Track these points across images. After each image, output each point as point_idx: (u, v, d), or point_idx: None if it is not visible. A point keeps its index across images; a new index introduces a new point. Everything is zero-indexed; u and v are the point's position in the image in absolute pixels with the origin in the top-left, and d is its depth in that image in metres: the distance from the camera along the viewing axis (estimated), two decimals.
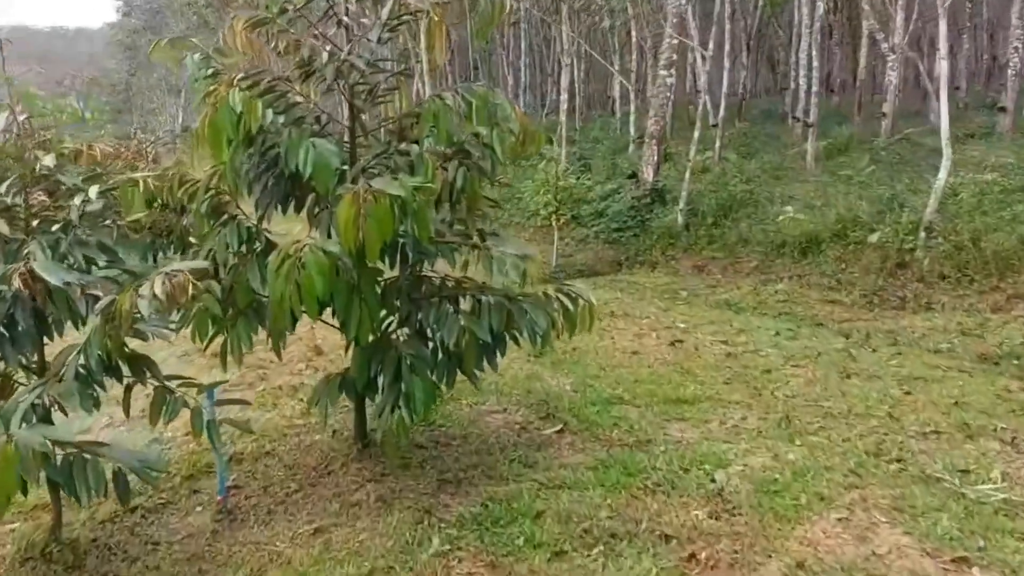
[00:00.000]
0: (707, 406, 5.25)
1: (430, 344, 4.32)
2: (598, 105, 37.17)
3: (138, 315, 3.08)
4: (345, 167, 4.29)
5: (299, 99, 4.32)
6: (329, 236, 3.92)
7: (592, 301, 4.43)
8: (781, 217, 10.79)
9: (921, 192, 10.34)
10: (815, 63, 19.91)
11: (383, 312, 4.08)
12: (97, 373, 3.27)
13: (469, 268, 4.26)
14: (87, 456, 3.18)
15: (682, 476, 4.14)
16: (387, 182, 3.45)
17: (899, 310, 8.75)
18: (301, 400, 5.86)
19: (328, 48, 4.21)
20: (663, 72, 13.96)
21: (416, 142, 4.29)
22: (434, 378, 4.12)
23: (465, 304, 4.23)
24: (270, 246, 4.23)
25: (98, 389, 3.38)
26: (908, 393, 5.52)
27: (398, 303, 4.26)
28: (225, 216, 4.19)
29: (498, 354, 4.24)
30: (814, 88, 19.09)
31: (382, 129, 4.87)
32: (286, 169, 3.80)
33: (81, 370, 3.29)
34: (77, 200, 3.41)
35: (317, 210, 4.36)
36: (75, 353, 3.30)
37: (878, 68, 30.00)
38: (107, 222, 3.71)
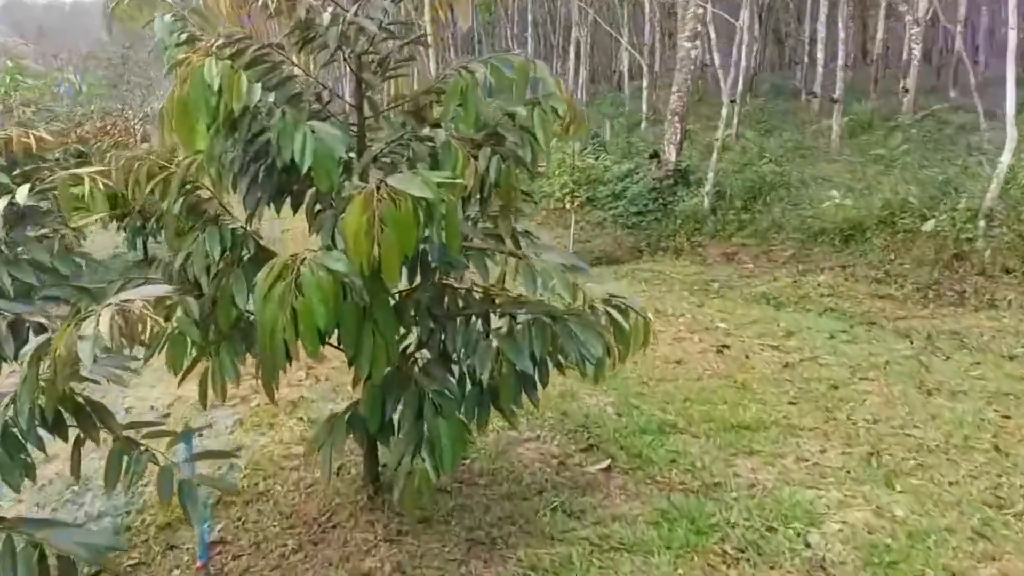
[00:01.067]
0: (775, 434, 4.48)
1: (455, 370, 3.56)
2: (603, 80, 36.15)
3: (79, 360, 2.31)
4: (352, 155, 3.50)
5: (295, 72, 3.52)
6: (333, 244, 3.14)
7: (647, 316, 3.66)
8: (826, 203, 9.97)
9: (978, 176, 9.51)
10: (840, 34, 19.00)
11: (399, 332, 3.31)
12: (29, 432, 2.49)
13: (506, 280, 3.48)
14: (17, 539, 2.42)
15: (767, 537, 3.37)
16: (408, 179, 2.65)
17: (958, 306, 7.96)
18: (301, 419, 5.11)
19: (331, 8, 3.40)
20: (687, 44, 13.06)
21: (438, 125, 3.50)
22: (462, 416, 3.35)
23: (499, 323, 3.46)
24: (261, 254, 3.45)
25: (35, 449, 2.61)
26: (1007, 417, 4.75)
27: (416, 320, 3.49)
28: (205, 217, 3.41)
29: (539, 385, 3.46)
30: (839, 61, 18.18)
31: (396, 109, 4.08)
32: (278, 160, 3.00)
33: (10, 427, 2.51)
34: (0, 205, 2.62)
35: (318, 208, 3.58)
36: (2, 406, 2.53)
37: (890, 42, 29.04)
38: (45, 231, 2.91)
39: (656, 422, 4.59)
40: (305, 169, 2.92)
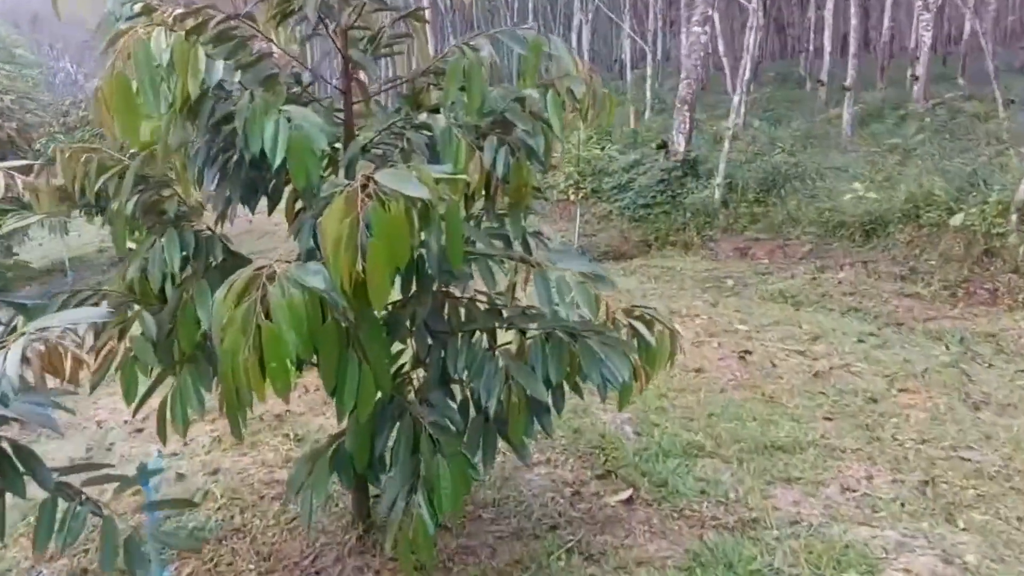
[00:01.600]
0: (814, 457, 4.01)
1: (457, 392, 3.10)
2: (603, 69, 35.56)
3: None
4: (338, 146, 3.02)
5: (272, 49, 3.03)
6: (316, 250, 2.66)
7: (675, 327, 3.19)
8: (848, 196, 9.47)
9: (1007, 168, 9.01)
10: (853, 21, 18.48)
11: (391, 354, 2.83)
12: None
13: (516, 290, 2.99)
14: None
15: None
16: (401, 174, 2.16)
17: (989, 306, 7.49)
18: (287, 436, 4.64)
19: None
20: (696, 29, 12.53)
21: (436, 111, 3.02)
22: (465, 450, 2.88)
23: (506, 338, 2.98)
24: (232, 260, 2.98)
25: None
26: None
27: (412, 335, 3.02)
28: (164, 218, 2.93)
29: (553, 412, 2.99)
30: (851, 48, 17.65)
31: (388, 93, 3.59)
32: (246, 152, 2.52)
33: None
34: None
35: (299, 207, 3.11)
36: None
37: (894, 31, 28.47)
38: None
39: (680, 443, 4.12)
40: (277, 163, 2.44)
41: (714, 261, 9.98)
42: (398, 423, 2.78)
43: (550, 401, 2.86)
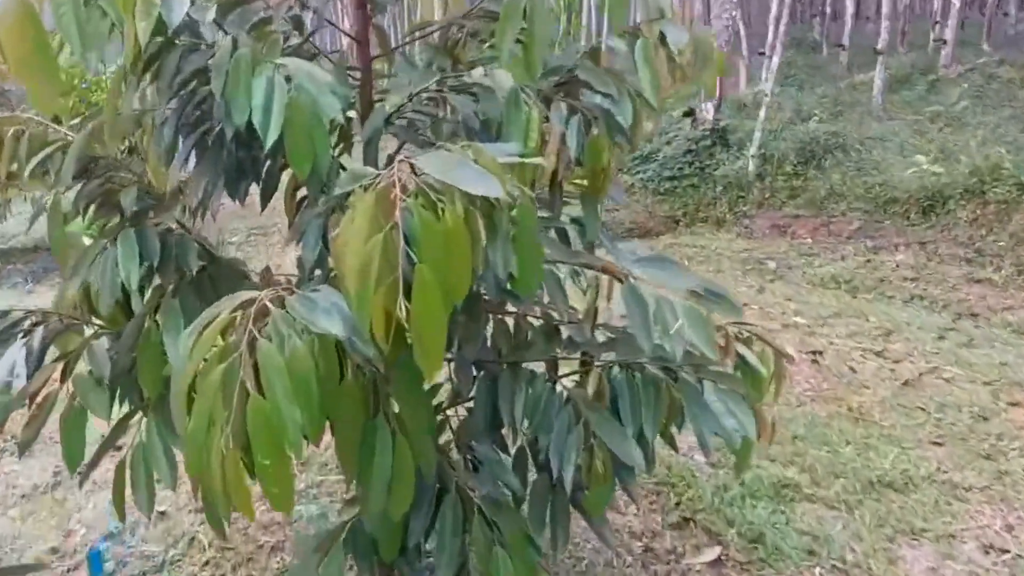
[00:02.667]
0: (935, 499, 3.27)
1: (510, 442, 2.36)
2: None
3: None
4: (352, 115, 2.25)
5: None
6: (324, 275, 1.92)
7: (786, 350, 2.45)
8: (911, 170, 8.64)
9: None
10: None
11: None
12: None
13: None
14: None
15: None
16: (453, 160, 1.40)
17: None
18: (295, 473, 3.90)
19: None
20: None
21: (475, 66, 2.24)
22: (527, 526, 2.15)
23: (592, 379, 2.23)
24: (216, 269, 2.23)
25: None
26: None
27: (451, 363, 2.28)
28: (122, 215, 2.17)
29: (639, 469, 2.24)
30: (884, 10, 16.66)
31: (416, 44, 2.80)
32: (227, 125, 1.75)
33: None
34: None
35: (303, 196, 2.37)
36: None
37: None
38: None
39: (768, 479, 3.38)
40: (271, 141, 1.68)
41: (750, 240, 9.19)
42: (440, 503, 2.04)
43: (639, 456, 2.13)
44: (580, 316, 2.17)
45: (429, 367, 1.36)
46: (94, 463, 2.07)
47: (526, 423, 2.16)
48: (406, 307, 1.29)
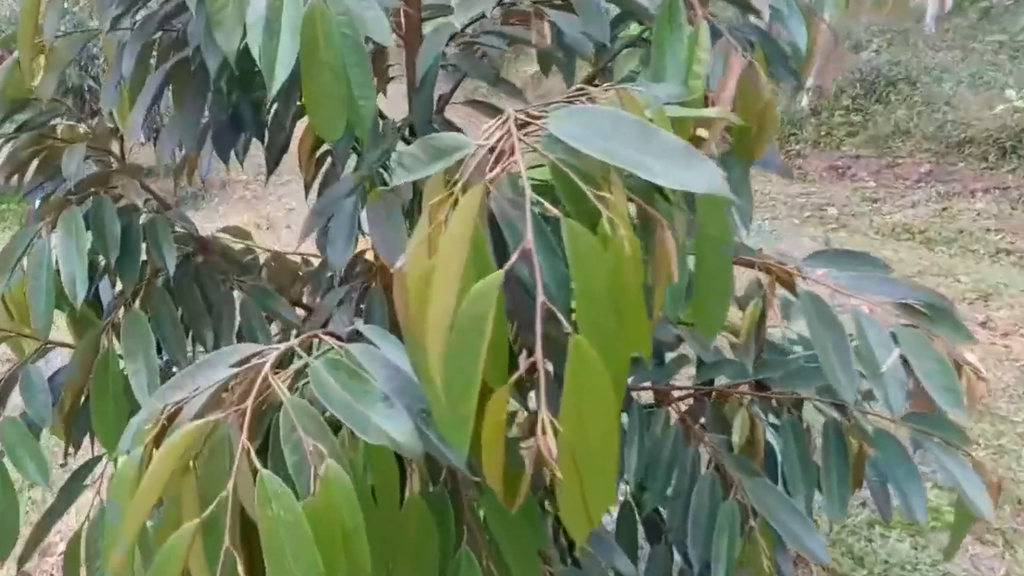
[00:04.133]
0: None
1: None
2: None
3: None
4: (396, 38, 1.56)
5: None
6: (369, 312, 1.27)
7: (981, 372, 1.79)
8: (1000, 106, 7.80)
9: None
10: None
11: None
12: None
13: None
14: None
15: None
16: (613, 120, 0.73)
17: None
18: None
19: None
20: None
21: None
22: None
23: (738, 423, 1.56)
24: (206, 262, 1.59)
25: None
26: None
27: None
28: (60, 183, 1.51)
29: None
30: None
31: None
32: (209, 60, 1.08)
33: None
34: None
35: (328, 164, 1.70)
36: None
37: None
38: None
39: None
40: (279, 82, 1.00)
41: (806, 183, 8.40)
42: None
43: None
44: (736, 336, 1.51)
45: (595, 508, 0.70)
46: (32, 546, 1.45)
47: (645, 478, 1.53)
48: (551, 423, 0.63)
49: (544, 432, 0.59)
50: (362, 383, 0.78)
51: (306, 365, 0.82)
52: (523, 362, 0.63)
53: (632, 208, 0.76)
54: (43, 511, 1.46)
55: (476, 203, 0.66)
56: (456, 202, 0.72)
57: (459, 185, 0.75)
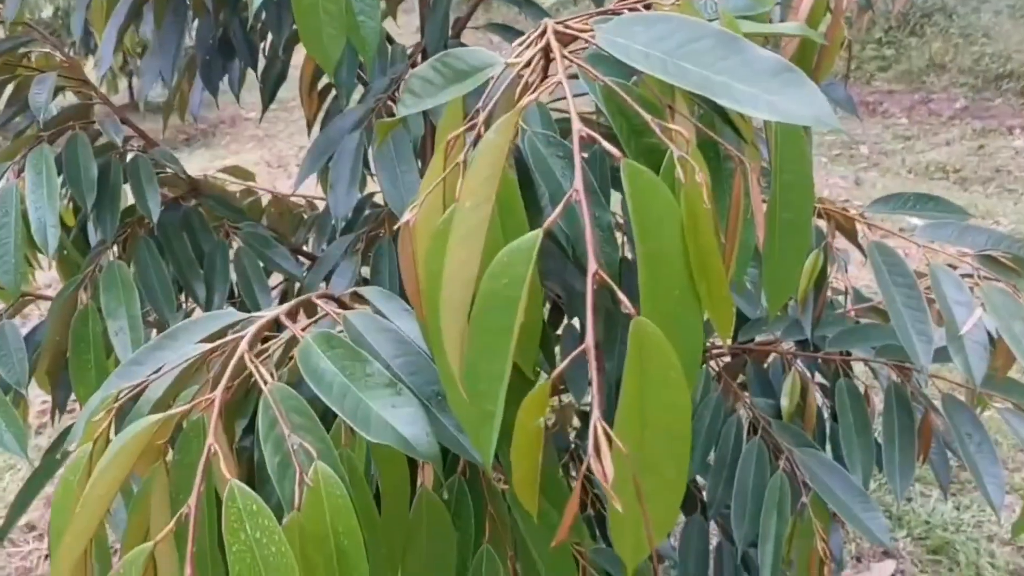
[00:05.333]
0: None
1: None
2: None
3: None
4: None
5: None
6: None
7: None
8: None
9: None
10: None
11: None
12: None
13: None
14: None
15: None
16: (683, 31, 0.56)
17: None
18: None
19: None
20: None
21: None
22: None
23: (788, 386, 1.41)
24: (196, 203, 1.43)
25: None
26: None
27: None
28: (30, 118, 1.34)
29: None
30: None
31: None
32: None
33: None
34: None
35: (331, 98, 1.53)
36: None
37: None
38: None
39: None
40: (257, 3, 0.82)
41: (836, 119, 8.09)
42: None
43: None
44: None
45: (658, 532, 0.54)
46: (15, 514, 1.33)
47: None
48: (606, 434, 0.47)
49: (599, 451, 0.43)
50: (363, 364, 0.63)
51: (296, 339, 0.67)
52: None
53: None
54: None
55: (507, 139, 0.50)
56: (479, 137, 0.56)
57: (482, 115, 0.58)
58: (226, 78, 1.40)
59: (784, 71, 0.52)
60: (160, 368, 0.66)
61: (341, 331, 0.69)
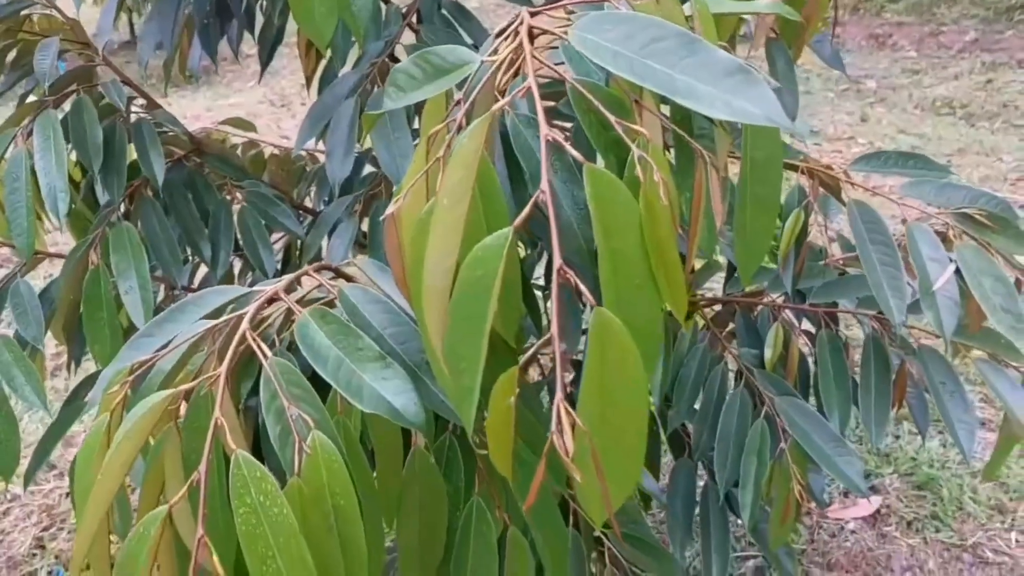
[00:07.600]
0: None
1: None
2: None
3: None
4: None
5: None
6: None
7: None
8: None
9: None
10: None
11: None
12: None
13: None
14: None
15: None
16: (647, 28, 0.59)
17: None
18: None
19: None
20: None
21: None
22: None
23: (771, 336, 1.47)
24: (200, 167, 1.48)
25: None
26: None
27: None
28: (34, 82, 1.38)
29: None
30: None
31: None
32: None
33: None
34: None
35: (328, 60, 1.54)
36: None
37: None
38: None
39: None
40: None
41: (843, 53, 7.97)
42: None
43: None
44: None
45: (616, 497, 0.61)
46: (38, 459, 1.41)
47: (662, 393, 1.45)
48: (568, 413, 0.52)
49: (560, 427, 0.49)
50: (355, 338, 0.68)
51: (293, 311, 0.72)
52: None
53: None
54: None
55: (480, 141, 0.54)
56: (460, 128, 0.60)
57: (463, 109, 0.62)
58: (224, 38, 1.43)
59: (738, 72, 0.56)
60: (170, 342, 0.71)
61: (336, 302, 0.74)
